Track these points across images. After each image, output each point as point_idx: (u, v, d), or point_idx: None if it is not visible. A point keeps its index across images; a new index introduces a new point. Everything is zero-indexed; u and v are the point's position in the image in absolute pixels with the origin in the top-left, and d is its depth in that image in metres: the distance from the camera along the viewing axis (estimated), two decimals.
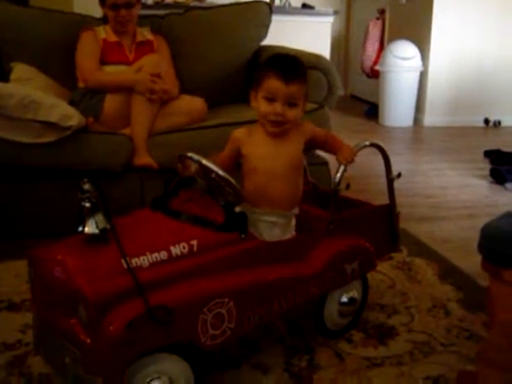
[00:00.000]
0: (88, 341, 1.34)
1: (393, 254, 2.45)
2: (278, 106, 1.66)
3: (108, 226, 1.42)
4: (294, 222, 1.79)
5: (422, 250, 2.64)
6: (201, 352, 1.50)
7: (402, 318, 2.04)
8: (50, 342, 1.48)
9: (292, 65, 1.70)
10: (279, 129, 1.70)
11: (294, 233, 1.79)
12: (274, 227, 1.72)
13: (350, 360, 1.79)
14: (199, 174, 1.62)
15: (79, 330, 1.36)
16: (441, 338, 1.92)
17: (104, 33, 2.96)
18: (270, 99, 1.67)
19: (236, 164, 1.78)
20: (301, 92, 1.69)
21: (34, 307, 1.56)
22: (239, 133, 1.77)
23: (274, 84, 1.65)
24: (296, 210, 1.79)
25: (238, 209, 1.56)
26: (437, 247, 2.68)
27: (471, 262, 2.42)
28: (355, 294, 1.89)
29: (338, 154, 1.79)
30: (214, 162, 1.59)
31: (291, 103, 1.67)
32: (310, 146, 1.83)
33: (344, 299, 1.86)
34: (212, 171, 1.56)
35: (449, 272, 2.41)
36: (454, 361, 1.80)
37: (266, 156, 1.71)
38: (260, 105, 1.69)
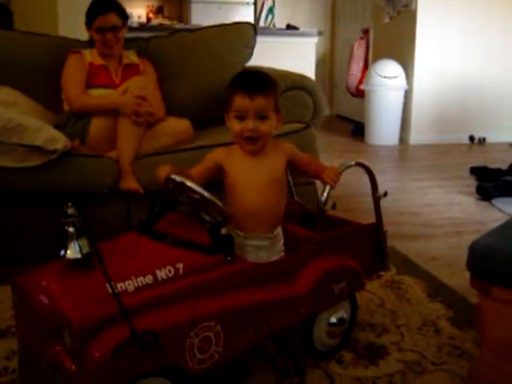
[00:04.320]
0: (73, 367, 1.32)
1: (381, 273, 2.44)
2: (248, 122, 1.67)
3: (92, 251, 1.40)
4: (280, 243, 1.78)
5: (410, 268, 2.63)
6: (189, 376, 1.47)
7: (392, 337, 2.03)
8: (34, 369, 1.45)
9: (255, 79, 1.71)
10: (255, 146, 1.71)
11: (282, 254, 1.78)
12: (259, 251, 1.71)
13: (340, 381, 1.77)
14: (183, 195, 1.61)
15: (64, 357, 1.34)
16: (432, 356, 1.91)
17: (90, 56, 2.95)
18: (240, 117, 1.68)
19: (207, 180, 1.77)
20: (269, 104, 1.69)
21: (18, 334, 1.54)
22: (219, 150, 1.78)
23: (240, 101, 1.66)
24: (279, 231, 1.78)
25: (223, 231, 1.55)
26: (425, 265, 2.68)
27: (460, 280, 2.42)
28: (344, 314, 1.88)
29: (322, 174, 1.79)
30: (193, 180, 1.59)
31: (262, 116, 1.68)
32: (292, 167, 1.83)
33: (333, 320, 1.85)
34: (197, 193, 1.55)
35: (438, 290, 2.41)
36: (445, 380, 1.79)
37: (247, 170, 1.72)
38: (232, 124, 1.70)
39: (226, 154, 1.75)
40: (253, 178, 1.72)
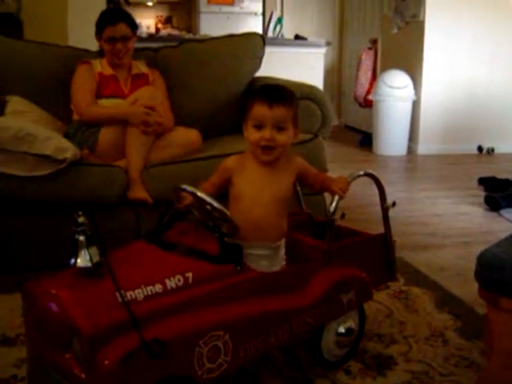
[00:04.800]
0: (82, 375, 1.32)
1: (389, 283, 2.43)
2: (266, 132, 1.67)
3: (102, 259, 1.41)
4: (282, 253, 1.78)
5: (418, 278, 2.63)
6: None
7: (399, 347, 2.03)
8: (44, 376, 1.46)
9: (276, 90, 1.73)
10: (271, 155, 1.70)
11: (283, 263, 1.78)
12: (260, 260, 1.71)
13: None
14: (194, 205, 1.62)
15: (73, 365, 1.35)
16: (439, 367, 1.90)
17: (100, 66, 2.97)
18: (259, 126, 1.68)
19: (221, 192, 1.78)
20: (288, 116, 1.70)
21: (27, 342, 1.55)
22: (231, 161, 1.77)
23: (259, 110, 1.67)
24: (282, 242, 1.79)
25: (232, 240, 1.55)
26: (433, 275, 2.67)
27: (468, 290, 2.41)
28: (352, 324, 1.88)
29: (331, 184, 1.80)
30: (206, 192, 1.60)
31: (279, 127, 1.69)
32: (301, 182, 1.83)
33: (341, 330, 1.85)
34: (207, 203, 1.56)
35: (446, 300, 2.40)
36: None
37: (254, 183, 1.72)
38: (249, 134, 1.71)
39: (237, 163, 1.75)
40: (260, 193, 1.71)
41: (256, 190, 1.72)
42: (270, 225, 1.73)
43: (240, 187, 1.73)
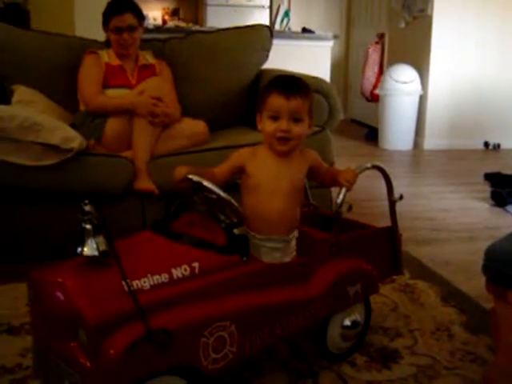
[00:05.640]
0: (88, 364, 1.32)
1: (395, 277, 2.43)
2: (283, 123, 1.66)
3: (108, 249, 1.40)
4: (293, 243, 1.78)
5: (424, 272, 2.62)
6: (203, 375, 1.48)
7: (405, 341, 2.02)
8: (49, 365, 1.46)
9: (292, 81, 1.72)
10: (286, 146, 1.69)
11: (294, 253, 1.78)
12: (274, 252, 1.70)
13: None
14: (200, 195, 1.61)
15: (79, 354, 1.35)
16: (445, 361, 1.90)
17: (107, 57, 2.97)
18: (275, 117, 1.67)
19: (228, 182, 1.76)
20: (304, 107, 1.69)
21: (33, 330, 1.55)
22: (244, 151, 1.76)
23: (276, 101, 1.66)
24: (295, 233, 1.78)
25: (236, 231, 1.55)
26: (439, 270, 2.67)
27: (474, 285, 2.41)
28: (358, 317, 1.88)
29: (339, 176, 1.79)
30: (210, 179, 1.59)
31: (296, 119, 1.68)
32: (311, 175, 1.82)
33: (347, 322, 1.84)
34: (213, 193, 1.55)
35: (451, 294, 2.40)
36: None
37: (271, 174, 1.70)
38: (265, 125, 1.70)
39: (251, 155, 1.74)
40: (277, 183, 1.70)
41: (273, 179, 1.70)
42: (286, 215, 1.72)
43: (256, 177, 1.71)
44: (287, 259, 1.74)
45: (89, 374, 1.32)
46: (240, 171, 1.73)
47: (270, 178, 1.70)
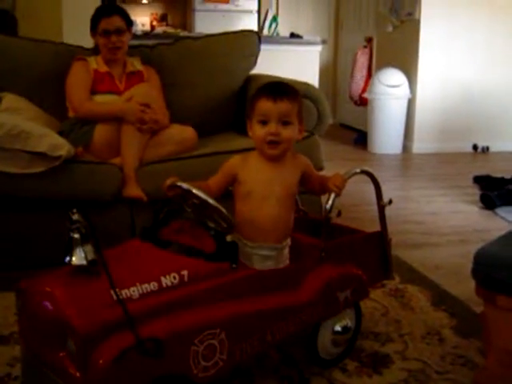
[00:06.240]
0: (77, 374, 1.31)
1: (385, 282, 2.43)
2: (272, 126, 1.67)
3: (97, 257, 1.39)
4: (286, 251, 1.77)
5: (414, 276, 2.62)
6: None
7: (396, 345, 2.02)
8: (38, 375, 1.45)
9: (280, 86, 1.74)
10: (277, 150, 1.69)
11: (287, 262, 1.77)
12: (266, 260, 1.70)
13: None
14: (189, 203, 1.61)
15: (68, 363, 1.34)
16: (436, 365, 1.90)
17: (95, 63, 2.96)
18: (264, 122, 1.68)
19: (223, 192, 1.77)
20: (293, 110, 1.70)
21: (21, 340, 1.53)
22: (236, 159, 1.77)
23: (264, 105, 1.68)
24: (288, 241, 1.78)
25: (228, 238, 1.55)
26: (429, 274, 2.67)
27: (464, 288, 2.41)
28: (348, 322, 1.87)
29: (328, 182, 1.79)
30: (203, 190, 1.59)
31: (285, 122, 1.68)
32: (304, 182, 1.82)
33: (337, 328, 1.84)
34: (202, 200, 1.55)
35: (442, 298, 2.40)
36: None
37: (263, 180, 1.71)
38: (255, 130, 1.70)
39: (242, 162, 1.74)
40: (270, 188, 1.70)
41: (265, 185, 1.71)
42: (279, 221, 1.72)
43: (248, 183, 1.71)
44: (279, 266, 1.73)
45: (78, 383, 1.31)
46: (233, 179, 1.73)
47: (262, 184, 1.70)
